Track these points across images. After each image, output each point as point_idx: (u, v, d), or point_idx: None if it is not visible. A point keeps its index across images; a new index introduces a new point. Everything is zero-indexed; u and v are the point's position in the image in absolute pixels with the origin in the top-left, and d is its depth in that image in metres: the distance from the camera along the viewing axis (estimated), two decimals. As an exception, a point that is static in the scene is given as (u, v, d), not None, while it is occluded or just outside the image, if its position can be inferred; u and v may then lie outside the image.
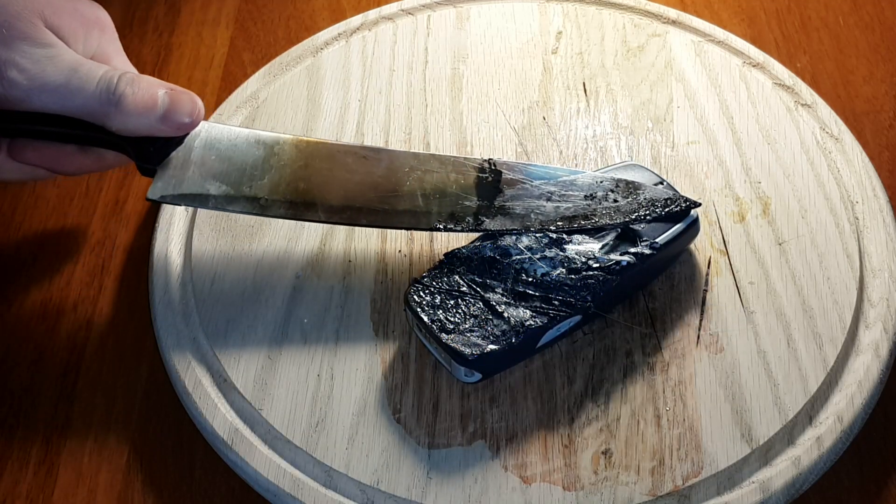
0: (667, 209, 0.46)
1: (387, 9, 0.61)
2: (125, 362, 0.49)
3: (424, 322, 0.43)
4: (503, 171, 0.47)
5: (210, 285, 0.49)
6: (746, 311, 0.47)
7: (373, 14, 0.61)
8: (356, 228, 0.50)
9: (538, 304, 0.44)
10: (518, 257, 0.45)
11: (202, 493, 0.45)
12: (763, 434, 0.43)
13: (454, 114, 0.56)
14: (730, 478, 0.42)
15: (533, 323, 0.43)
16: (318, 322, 0.47)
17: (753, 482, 0.42)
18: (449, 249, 0.46)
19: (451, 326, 0.43)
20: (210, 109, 0.59)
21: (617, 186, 0.46)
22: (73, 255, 0.53)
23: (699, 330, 0.47)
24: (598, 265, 0.44)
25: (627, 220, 0.45)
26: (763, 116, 0.55)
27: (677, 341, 0.46)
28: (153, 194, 0.45)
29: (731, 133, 0.54)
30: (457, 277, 0.44)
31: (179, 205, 0.46)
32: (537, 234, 0.45)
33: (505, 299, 0.44)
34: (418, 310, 0.44)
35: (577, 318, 0.44)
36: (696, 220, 0.47)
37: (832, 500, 0.44)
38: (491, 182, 0.47)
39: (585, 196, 0.46)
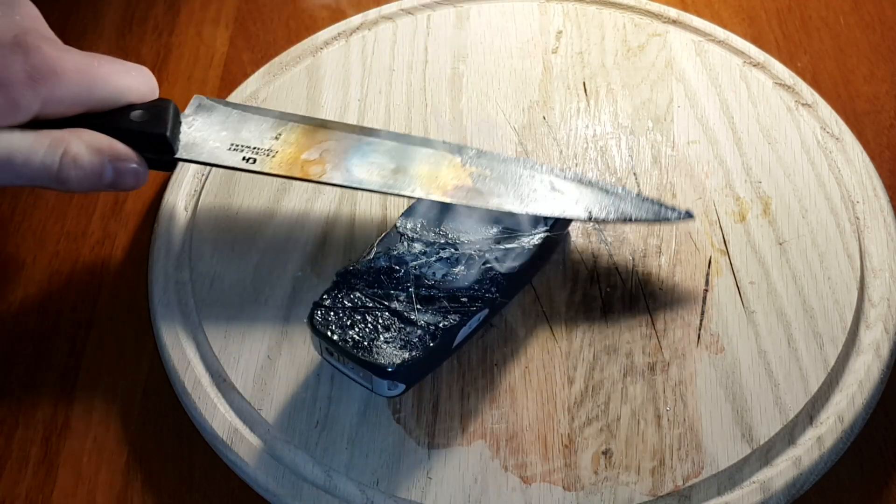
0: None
1: (387, 8, 0.61)
2: (125, 362, 0.49)
3: (336, 343, 0.42)
4: None
5: (210, 285, 0.49)
6: (747, 310, 0.47)
7: (373, 14, 0.61)
8: (356, 227, 0.50)
9: (446, 305, 0.43)
10: (414, 263, 0.44)
11: (202, 493, 0.45)
12: (764, 434, 0.43)
13: (454, 113, 0.56)
14: (730, 478, 0.42)
15: (447, 323, 0.42)
16: (318, 322, 0.47)
17: (754, 482, 0.42)
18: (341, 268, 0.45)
19: (366, 342, 0.42)
20: (210, 109, 0.59)
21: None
22: (73, 255, 0.53)
23: (699, 330, 0.46)
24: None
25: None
26: (763, 116, 0.55)
27: (677, 341, 0.46)
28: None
29: (731, 133, 0.54)
30: (357, 293, 0.43)
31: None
32: (429, 239, 0.45)
33: (411, 306, 0.43)
34: (327, 332, 0.42)
35: (486, 311, 0.44)
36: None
37: (833, 500, 0.44)
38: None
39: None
